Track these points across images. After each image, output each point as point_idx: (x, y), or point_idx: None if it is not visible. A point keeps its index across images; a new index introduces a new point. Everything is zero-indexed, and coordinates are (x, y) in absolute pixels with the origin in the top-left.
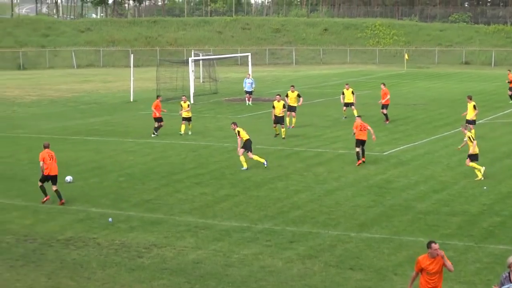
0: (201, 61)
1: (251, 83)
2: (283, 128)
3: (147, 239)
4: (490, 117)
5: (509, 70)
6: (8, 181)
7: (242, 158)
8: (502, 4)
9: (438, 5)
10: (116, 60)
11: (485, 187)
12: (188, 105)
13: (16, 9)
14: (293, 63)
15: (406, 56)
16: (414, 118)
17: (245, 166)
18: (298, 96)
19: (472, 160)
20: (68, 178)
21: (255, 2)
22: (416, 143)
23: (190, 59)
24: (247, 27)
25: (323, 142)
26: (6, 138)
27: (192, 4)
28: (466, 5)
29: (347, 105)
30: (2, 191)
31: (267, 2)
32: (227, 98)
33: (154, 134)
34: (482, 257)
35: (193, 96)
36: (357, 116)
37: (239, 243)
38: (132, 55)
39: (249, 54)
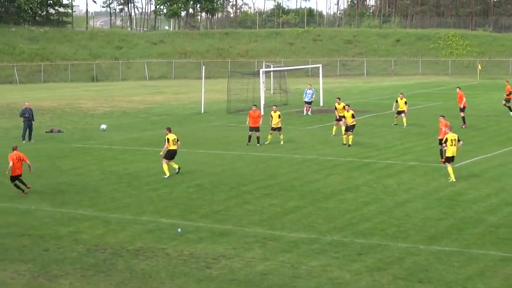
0: (272, 73)
1: (312, 94)
2: (280, 135)
3: (215, 250)
4: None
5: (507, 81)
6: (80, 191)
7: (165, 167)
8: None
9: None
10: (188, 72)
11: None
12: (279, 115)
13: (91, 22)
14: (364, 74)
15: (479, 67)
16: (487, 129)
17: (167, 174)
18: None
19: None
20: (103, 126)
21: (327, 13)
22: (488, 155)
23: (261, 70)
24: (318, 39)
25: (393, 153)
26: (79, 149)
27: (264, 16)
28: None
29: (399, 113)
30: (74, 201)
31: (339, 14)
32: (297, 110)
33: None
34: None
35: (264, 108)
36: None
37: (307, 254)
38: (203, 66)
39: (320, 65)
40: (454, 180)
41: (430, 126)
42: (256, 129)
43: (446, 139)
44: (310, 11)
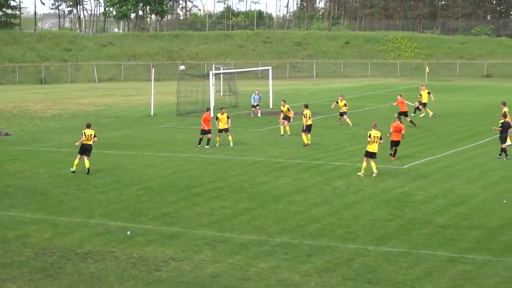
0: (221, 75)
1: (259, 99)
2: (229, 136)
3: (165, 253)
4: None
5: (423, 85)
6: (28, 194)
7: (76, 161)
8: None
9: (460, 18)
10: (137, 74)
11: (505, 201)
12: (227, 117)
13: (39, 24)
14: (313, 76)
15: (427, 69)
16: (435, 131)
17: (74, 169)
18: (288, 109)
19: None
20: (182, 67)
21: (277, 15)
22: (436, 156)
23: (210, 72)
24: (268, 41)
25: (343, 155)
26: (27, 152)
27: (213, 18)
28: (488, 18)
29: (342, 114)
30: (22, 204)
31: (289, 16)
32: (247, 112)
33: (198, 146)
34: (501, 271)
35: (214, 110)
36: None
37: (256, 256)
38: (153, 69)
39: (270, 67)
40: (362, 175)
41: (379, 128)
42: (208, 131)
43: (370, 135)
44: (260, 14)
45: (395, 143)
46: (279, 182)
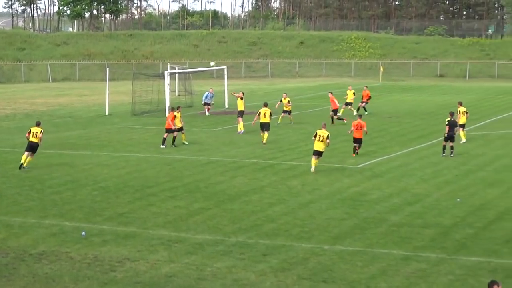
0: (176, 75)
1: (212, 96)
2: (183, 134)
3: (120, 253)
4: (464, 130)
5: (366, 86)
6: None
7: (23, 157)
8: (477, 17)
9: (414, 18)
10: (92, 74)
11: (458, 199)
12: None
13: None
14: (268, 76)
15: (382, 69)
16: (389, 130)
17: (23, 163)
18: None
19: None
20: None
21: (232, 15)
22: (390, 155)
23: (165, 72)
24: (223, 41)
25: (298, 155)
26: None
27: (168, 17)
28: (441, 18)
29: (284, 112)
30: None
31: (244, 16)
32: (202, 112)
33: (163, 145)
34: (455, 269)
35: (169, 110)
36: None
37: (212, 256)
38: (108, 68)
39: (225, 67)
40: (313, 172)
41: (333, 127)
42: (174, 130)
43: (316, 134)
44: (215, 13)
45: (357, 141)
46: (234, 181)
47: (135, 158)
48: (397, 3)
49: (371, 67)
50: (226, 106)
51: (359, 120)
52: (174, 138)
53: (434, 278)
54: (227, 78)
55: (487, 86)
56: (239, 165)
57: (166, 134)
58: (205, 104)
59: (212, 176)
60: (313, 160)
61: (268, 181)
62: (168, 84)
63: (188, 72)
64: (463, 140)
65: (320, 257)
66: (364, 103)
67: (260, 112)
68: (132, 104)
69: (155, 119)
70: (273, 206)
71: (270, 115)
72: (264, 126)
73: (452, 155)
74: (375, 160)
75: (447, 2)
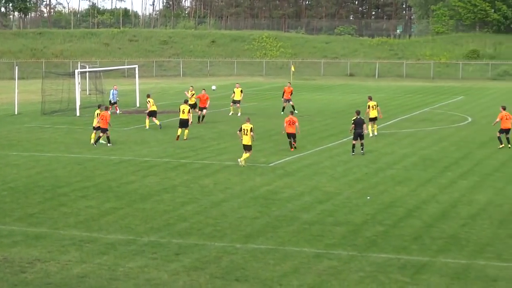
0: (87, 73)
1: (116, 94)
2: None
3: (30, 254)
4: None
5: (289, 83)
6: None
7: None
8: (385, 17)
9: (324, 18)
10: (1, 73)
11: (368, 197)
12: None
13: None
14: (180, 75)
15: (293, 68)
16: (300, 129)
17: None
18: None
19: None
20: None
21: (143, 14)
22: (302, 154)
23: (76, 71)
24: (134, 39)
25: (210, 153)
26: None
27: (78, 16)
28: (351, 18)
29: (235, 102)
30: None
31: (155, 14)
32: (112, 111)
33: (95, 144)
34: (365, 266)
35: (79, 109)
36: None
37: (124, 256)
38: (16, 67)
39: (136, 66)
40: (243, 165)
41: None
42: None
43: (241, 128)
44: (126, 12)
45: (291, 136)
46: (146, 181)
47: (45, 158)
48: (307, 3)
49: (282, 66)
50: (138, 105)
51: (291, 116)
52: (100, 137)
53: (345, 275)
54: (139, 77)
55: (395, 85)
56: (151, 164)
57: (102, 133)
58: (114, 103)
59: (124, 176)
60: (244, 155)
61: (180, 180)
62: (79, 83)
63: (99, 71)
64: (371, 134)
65: (233, 255)
66: (288, 101)
67: (181, 108)
68: (42, 103)
69: (65, 118)
70: (185, 205)
71: (189, 111)
72: (183, 123)
73: (362, 151)
74: (286, 159)
75: (356, 3)
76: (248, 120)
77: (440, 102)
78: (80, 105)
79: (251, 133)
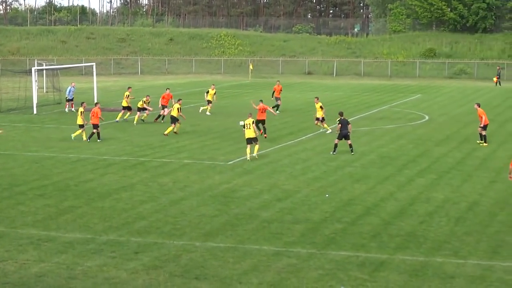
0: (44, 71)
1: (73, 91)
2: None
3: None
4: (331, 126)
5: (278, 81)
6: None
7: None
8: (343, 16)
9: (282, 16)
10: None
11: (327, 195)
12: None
13: None
14: (138, 73)
15: (251, 66)
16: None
17: None
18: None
19: None
20: (241, 122)
21: (100, 11)
22: (261, 152)
23: (33, 68)
24: (91, 37)
25: (168, 152)
26: None
27: (35, 13)
28: (309, 17)
29: (209, 102)
30: None
31: (113, 12)
32: (71, 109)
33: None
34: (324, 263)
35: (36, 107)
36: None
37: (83, 255)
38: None
39: (94, 64)
40: (248, 159)
41: (203, 125)
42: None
43: (244, 124)
44: (83, 9)
45: (261, 122)
46: (105, 179)
47: (2, 156)
48: (265, 1)
49: (240, 64)
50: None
51: (261, 104)
52: (99, 133)
53: (304, 272)
54: (96, 75)
55: (353, 84)
56: (109, 162)
57: (95, 129)
58: (69, 100)
59: (82, 174)
60: (248, 149)
61: (138, 179)
62: (36, 81)
63: (56, 69)
64: (329, 130)
65: (192, 254)
66: (278, 100)
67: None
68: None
69: (22, 116)
70: (144, 203)
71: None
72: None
73: (352, 153)
74: (245, 157)
75: (314, 1)
76: (250, 115)
77: (398, 100)
78: (37, 103)
79: (253, 125)
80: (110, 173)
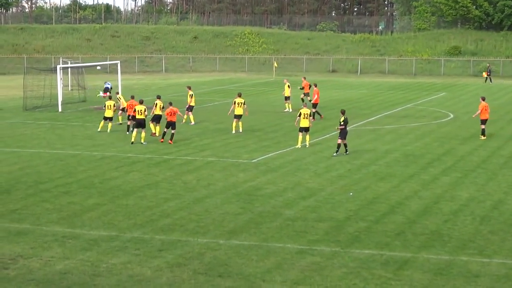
0: (69, 69)
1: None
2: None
3: (12, 250)
4: (356, 124)
5: (304, 77)
6: None
7: None
8: (367, 13)
9: (306, 14)
10: None
11: (351, 193)
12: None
13: None
14: (162, 71)
15: (275, 64)
16: (283, 125)
17: None
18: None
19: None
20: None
21: (125, 9)
22: (285, 150)
23: (58, 66)
24: (116, 35)
25: (193, 150)
26: None
27: (60, 11)
28: (333, 14)
29: (286, 98)
30: None
31: (137, 10)
32: (96, 106)
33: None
34: (348, 262)
35: (61, 104)
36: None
37: (107, 252)
38: None
39: (119, 62)
40: (298, 146)
41: (228, 122)
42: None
43: (300, 113)
44: (108, 7)
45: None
46: (129, 177)
47: (27, 154)
48: None
49: (264, 62)
50: None
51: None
52: (130, 126)
53: (328, 271)
54: (121, 73)
55: (378, 82)
56: (134, 160)
57: (130, 121)
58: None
59: (106, 172)
60: (300, 137)
61: (163, 176)
62: (61, 79)
63: (81, 67)
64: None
65: (216, 251)
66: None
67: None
68: (24, 99)
69: (47, 114)
70: (168, 201)
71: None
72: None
73: (347, 152)
74: (269, 155)
75: None
76: (305, 105)
77: (422, 98)
78: (62, 101)
79: (310, 117)
80: (134, 171)
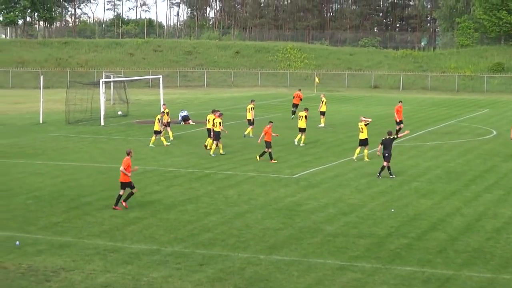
0: (112, 83)
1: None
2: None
3: (55, 263)
4: (398, 141)
5: (299, 89)
6: None
7: None
8: (410, 29)
9: (348, 29)
10: (26, 82)
11: (392, 210)
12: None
13: None
14: (204, 85)
15: (317, 80)
16: (324, 141)
17: None
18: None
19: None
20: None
21: (167, 24)
22: (326, 165)
23: (101, 80)
24: (158, 49)
25: (234, 164)
26: None
27: (103, 25)
28: (375, 30)
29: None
30: None
31: (179, 25)
32: (137, 120)
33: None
34: (389, 278)
35: (104, 118)
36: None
37: (148, 266)
38: (42, 76)
39: (161, 76)
40: (354, 159)
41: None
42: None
43: (360, 127)
44: (150, 22)
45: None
46: (170, 191)
47: (70, 167)
48: (331, 14)
49: (306, 78)
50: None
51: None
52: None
53: (369, 287)
54: (163, 87)
55: (420, 98)
56: (175, 174)
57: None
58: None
59: (147, 186)
60: (357, 150)
61: (204, 191)
62: (103, 93)
63: (124, 81)
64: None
65: (257, 266)
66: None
67: (208, 119)
68: (67, 113)
69: (90, 127)
70: (209, 215)
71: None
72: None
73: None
74: (310, 170)
75: (381, 15)
76: (364, 119)
77: (465, 115)
78: (104, 115)
79: (366, 125)
80: (175, 185)
